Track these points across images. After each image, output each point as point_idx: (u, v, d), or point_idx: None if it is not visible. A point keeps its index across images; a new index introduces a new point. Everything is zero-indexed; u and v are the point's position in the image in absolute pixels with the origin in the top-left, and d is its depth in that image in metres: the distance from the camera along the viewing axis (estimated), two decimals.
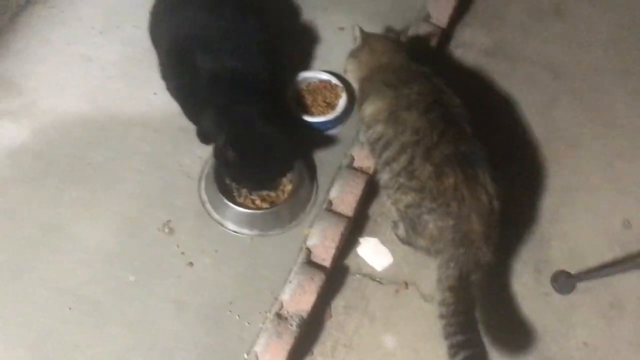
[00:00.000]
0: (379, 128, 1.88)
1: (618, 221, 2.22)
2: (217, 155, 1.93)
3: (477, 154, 1.80)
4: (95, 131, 2.14)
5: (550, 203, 2.24)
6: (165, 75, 2.05)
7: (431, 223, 1.77)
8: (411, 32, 2.43)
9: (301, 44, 2.40)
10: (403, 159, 1.80)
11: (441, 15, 2.50)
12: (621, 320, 2.03)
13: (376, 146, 1.90)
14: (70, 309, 1.83)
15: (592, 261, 2.13)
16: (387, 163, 1.85)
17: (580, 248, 2.16)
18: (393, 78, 1.95)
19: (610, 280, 2.08)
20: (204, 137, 2.11)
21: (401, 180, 1.81)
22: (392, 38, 2.15)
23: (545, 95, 2.49)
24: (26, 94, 2.20)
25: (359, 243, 2.12)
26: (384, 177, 1.88)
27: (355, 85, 2.15)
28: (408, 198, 1.80)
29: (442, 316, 1.70)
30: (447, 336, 1.66)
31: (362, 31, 2.12)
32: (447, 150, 1.77)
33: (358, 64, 2.11)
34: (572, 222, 2.21)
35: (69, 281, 1.87)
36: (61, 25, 2.37)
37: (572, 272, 2.06)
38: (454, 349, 1.64)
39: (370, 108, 1.93)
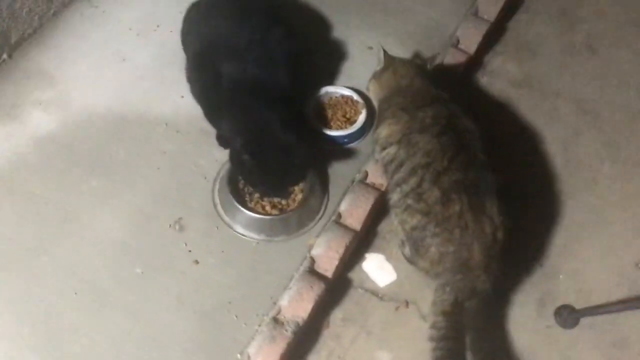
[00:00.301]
0: (392, 150, 1.92)
1: (630, 262, 2.18)
2: (233, 158, 1.99)
3: (486, 182, 1.82)
4: (121, 127, 2.22)
5: (562, 237, 2.22)
6: (190, 78, 2.12)
7: (433, 247, 1.79)
8: (439, 57, 2.46)
9: (329, 59, 2.44)
10: (413, 181, 1.83)
11: (470, 42, 2.51)
12: None
13: (389, 167, 1.93)
14: (76, 293, 1.89)
15: (599, 299, 2.09)
16: (398, 184, 1.88)
17: (589, 285, 2.13)
18: (409, 102, 1.99)
19: (615, 319, 2.04)
20: (223, 140, 2.17)
21: (409, 201, 1.83)
22: (416, 63, 2.18)
23: (569, 130, 2.47)
24: (59, 86, 2.30)
25: (365, 258, 2.14)
26: (394, 197, 1.90)
27: (376, 105, 2.19)
28: (414, 220, 1.82)
29: (432, 339, 1.71)
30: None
31: (386, 54, 2.16)
32: (455, 176, 1.79)
33: (379, 85, 2.16)
34: (583, 258, 2.18)
35: (79, 267, 1.94)
36: (101, 25, 2.47)
37: (577, 307, 2.04)
38: None
39: (385, 131, 1.97)
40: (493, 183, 1.83)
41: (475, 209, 1.75)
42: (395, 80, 2.11)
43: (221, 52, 2.02)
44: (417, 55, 2.46)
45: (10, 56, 2.36)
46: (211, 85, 2.03)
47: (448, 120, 1.90)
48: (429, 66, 2.20)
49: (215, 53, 2.03)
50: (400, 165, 1.87)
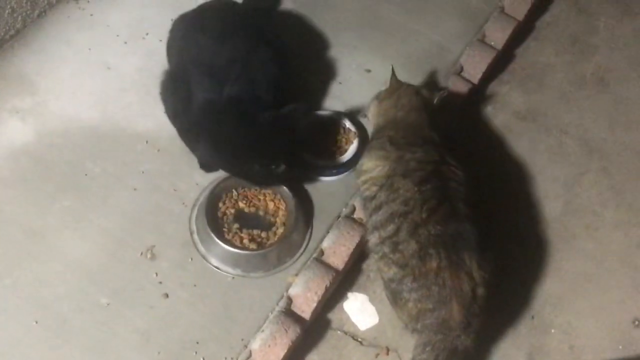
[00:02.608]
0: (373, 188, 1.81)
1: (627, 319, 2.06)
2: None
3: (467, 236, 1.71)
4: (99, 142, 2.11)
5: (557, 286, 2.09)
6: (165, 98, 2.01)
7: (411, 302, 1.70)
8: (441, 84, 2.33)
9: (322, 80, 2.31)
10: (390, 228, 1.74)
11: (474, 71, 2.38)
12: None
13: (368, 204, 1.84)
14: (36, 322, 1.79)
15: (591, 357, 1.98)
16: (376, 227, 1.78)
17: (581, 341, 2.01)
18: (400, 136, 1.88)
19: None
20: (207, 165, 2.06)
21: (385, 249, 1.74)
22: (422, 94, 2.03)
23: (572, 169, 2.34)
24: (39, 94, 2.18)
25: (347, 297, 2.03)
26: (372, 240, 1.82)
27: (370, 128, 2.08)
28: (390, 272, 1.74)
29: None
30: None
31: (394, 77, 2.04)
32: (434, 230, 1.69)
33: (377, 110, 2.04)
34: (578, 311, 2.06)
35: (41, 293, 1.84)
36: (87, 29, 2.35)
37: None
38: None
39: (369, 164, 1.87)
40: (474, 236, 1.73)
41: (453, 265, 1.67)
42: (394, 110, 1.99)
43: (195, 72, 1.92)
44: (427, 84, 2.32)
45: None
46: (183, 107, 1.92)
47: (435, 166, 1.80)
48: (435, 101, 2.06)
49: (188, 73, 1.93)
50: (379, 207, 1.78)
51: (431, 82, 2.34)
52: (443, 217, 1.71)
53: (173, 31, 2.12)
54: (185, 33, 2.04)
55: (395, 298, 1.75)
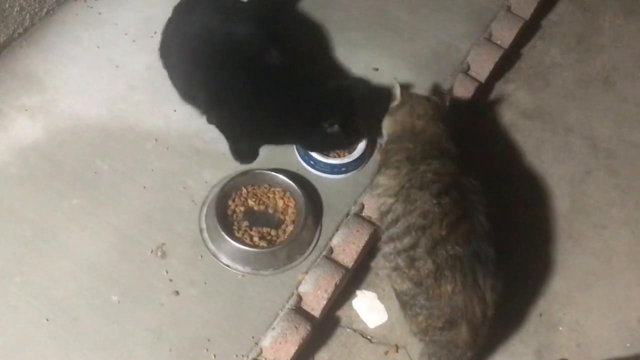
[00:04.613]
0: (389, 201, 1.81)
1: (635, 316, 2.06)
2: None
3: (484, 259, 1.69)
4: (108, 140, 2.11)
5: (564, 284, 2.11)
6: (214, 116, 2.07)
7: (421, 317, 1.71)
8: (447, 83, 2.34)
9: (331, 79, 2.31)
10: (406, 241, 1.72)
11: (481, 69, 2.39)
12: None
13: (384, 218, 1.83)
14: (47, 320, 1.80)
15: (600, 355, 1.99)
16: (392, 239, 1.77)
17: (589, 339, 2.02)
18: (418, 151, 1.86)
19: None
20: (240, 155, 2.09)
21: (400, 262, 1.73)
22: (435, 102, 2.02)
23: (578, 168, 2.35)
24: (47, 92, 2.19)
25: (356, 295, 2.04)
26: (386, 249, 1.80)
27: (384, 141, 2.06)
28: (404, 286, 1.74)
29: None
30: None
31: (403, 89, 2.03)
32: (453, 250, 1.66)
33: (393, 121, 2.02)
34: (585, 309, 2.07)
35: (52, 291, 1.84)
36: (96, 27, 2.35)
37: None
38: None
39: (385, 181, 1.86)
40: (491, 258, 1.71)
41: (467, 290, 1.65)
42: (411, 119, 1.96)
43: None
44: (435, 87, 2.32)
45: None
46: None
47: (453, 177, 1.77)
48: (447, 103, 2.06)
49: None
50: (396, 220, 1.76)
51: (436, 87, 2.34)
52: (462, 235, 1.68)
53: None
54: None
55: (405, 308, 1.77)
